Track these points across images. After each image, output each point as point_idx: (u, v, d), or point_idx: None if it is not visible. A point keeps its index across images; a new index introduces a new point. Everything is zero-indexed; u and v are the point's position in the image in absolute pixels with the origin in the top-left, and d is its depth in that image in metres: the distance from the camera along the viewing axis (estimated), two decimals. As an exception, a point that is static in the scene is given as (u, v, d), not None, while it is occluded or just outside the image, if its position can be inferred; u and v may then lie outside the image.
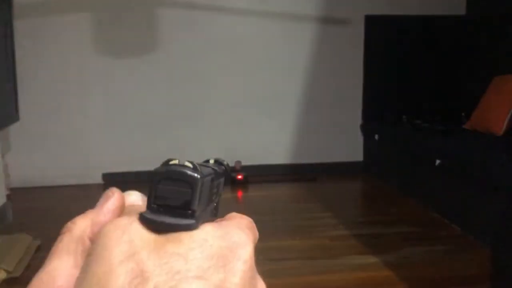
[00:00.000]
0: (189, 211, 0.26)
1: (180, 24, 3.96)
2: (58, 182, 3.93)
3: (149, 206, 0.26)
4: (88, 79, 3.92)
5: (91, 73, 3.91)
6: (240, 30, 4.06)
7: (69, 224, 0.29)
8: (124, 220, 0.26)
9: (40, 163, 3.90)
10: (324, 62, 4.20)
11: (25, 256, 2.49)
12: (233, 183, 3.91)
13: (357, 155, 4.37)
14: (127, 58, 3.96)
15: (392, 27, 4.24)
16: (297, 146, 4.28)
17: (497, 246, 2.50)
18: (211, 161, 0.37)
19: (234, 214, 0.30)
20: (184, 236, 0.25)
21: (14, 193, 3.55)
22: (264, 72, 4.15)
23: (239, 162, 4.02)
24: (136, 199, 0.30)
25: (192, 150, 4.09)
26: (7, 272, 2.31)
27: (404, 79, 4.28)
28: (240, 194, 3.86)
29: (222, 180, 0.36)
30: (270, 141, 4.24)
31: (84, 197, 3.72)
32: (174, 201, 0.26)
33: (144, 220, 0.26)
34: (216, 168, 0.34)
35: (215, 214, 0.33)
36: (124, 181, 3.95)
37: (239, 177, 3.92)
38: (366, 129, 4.29)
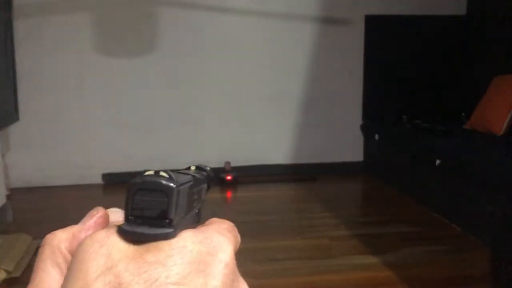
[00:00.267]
0: (167, 220, 0.26)
1: (180, 24, 3.96)
2: (58, 182, 3.93)
3: (126, 218, 0.26)
4: (88, 79, 3.92)
5: (91, 73, 3.91)
6: (240, 30, 4.06)
7: (49, 236, 0.29)
8: (101, 234, 0.26)
9: (40, 163, 3.90)
10: (324, 62, 4.20)
11: (25, 256, 2.49)
12: (222, 184, 3.90)
13: (357, 155, 4.36)
14: (127, 58, 3.96)
15: (392, 27, 4.24)
16: (297, 146, 4.28)
17: (497, 246, 2.50)
18: (192, 168, 0.37)
19: (214, 219, 0.31)
20: (163, 244, 0.26)
21: (14, 193, 3.55)
22: (264, 72, 4.15)
23: (228, 163, 4.01)
24: (120, 215, 0.30)
25: (192, 150, 4.09)
26: (7, 272, 2.31)
27: (404, 79, 4.28)
28: (229, 194, 3.85)
29: (204, 186, 0.36)
30: (270, 141, 4.24)
31: (84, 197, 3.72)
32: (151, 212, 0.26)
33: (122, 232, 0.26)
34: (196, 174, 0.34)
35: (198, 221, 0.33)
36: (124, 181, 3.94)
37: (228, 178, 3.91)
38: (366, 129, 4.29)
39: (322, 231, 2.97)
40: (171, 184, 0.26)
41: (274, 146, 4.24)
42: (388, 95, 4.29)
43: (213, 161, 4.05)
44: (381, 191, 3.88)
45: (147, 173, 0.27)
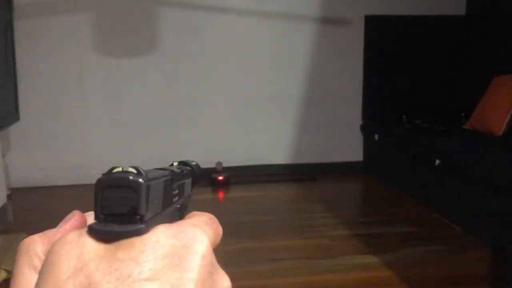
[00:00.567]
0: (137, 216, 0.25)
1: (179, 24, 3.97)
2: (58, 182, 3.93)
3: (96, 216, 0.26)
4: (88, 79, 3.92)
5: (91, 73, 3.91)
6: (240, 30, 4.06)
7: (25, 240, 0.29)
8: (73, 235, 0.26)
9: (40, 163, 3.90)
10: (324, 62, 4.20)
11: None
12: (214, 184, 3.90)
13: (357, 155, 4.37)
14: (126, 58, 3.96)
15: (392, 27, 4.24)
16: (297, 146, 4.28)
17: (497, 246, 2.50)
18: (175, 163, 0.36)
19: (194, 212, 0.30)
20: (135, 240, 0.25)
21: (14, 193, 3.55)
22: (264, 72, 4.15)
23: (220, 163, 4.01)
24: None
25: (192, 150, 4.09)
26: (7, 272, 2.31)
27: (404, 79, 4.28)
28: (220, 194, 3.85)
29: (187, 181, 0.35)
30: (270, 141, 4.24)
31: (84, 197, 3.72)
32: (120, 208, 0.25)
33: (92, 231, 0.25)
34: (176, 170, 0.33)
35: (181, 216, 0.32)
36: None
37: (220, 178, 3.91)
38: (366, 129, 4.29)
39: (322, 231, 2.97)
40: (140, 179, 0.25)
41: (274, 146, 4.25)
42: (388, 95, 4.29)
43: (213, 161, 4.05)
44: (381, 191, 3.88)
45: (115, 170, 0.26)
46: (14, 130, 3.76)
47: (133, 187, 0.25)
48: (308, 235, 2.94)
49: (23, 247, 0.28)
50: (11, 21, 3.54)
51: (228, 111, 4.15)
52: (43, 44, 3.81)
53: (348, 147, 4.33)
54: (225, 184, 3.91)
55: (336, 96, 4.27)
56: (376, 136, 4.12)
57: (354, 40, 4.20)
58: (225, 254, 2.39)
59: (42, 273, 0.26)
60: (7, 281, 2.28)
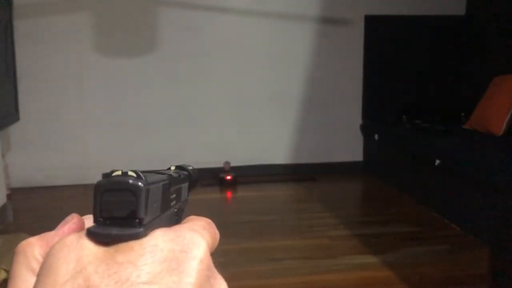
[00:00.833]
0: (136, 220, 0.25)
1: (179, 24, 3.97)
2: (58, 182, 3.93)
3: (95, 220, 0.26)
4: (87, 79, 3.92)
5: (90, 73, 3.91)
6: (239, 30, 4.06)
7: (23, 242, 0.29)
8: (71, 238, 0.26)
9: (40, 163, 3.90)
10: (324, 62, 4.20)
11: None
12: (222, 184, 3.90)
13: (357, 155, 4.37)
14: (126, 58, 3.96)
15: (392, 27, 4.24)
16: (297, 146, 4.28)
17: (497, 246, 2.50)
18: (172, 168, 0.36)
19: (191, 217, 0.30)
20: (134, 244, 0.25)
21: (14, 193, 3.55)
22: (264, 72, 4.15)
23: (227, 163, 4.02)
24: None
25: (192, 150, 4.09)
26: (7, 272, 2.31)
27: (404, 79, 4.28)
28: (228, 194, 3.85)
29: (183, 185, 0.35)
30: (270, 141, 4.24)
31: (84, 197, 3.72)
32: (119, 212, 0.25)
33: (91, 234, 0.25)
34: (173, 174, 0.33)
35: (178, 220, 0.32)
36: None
37: (228, 177, 3.91)
38: (366, 129, 4.29)
39: (321, 231, 2.97)
40: (139, 183, 0.25)
41: (274, 146, 4.25)
42: (388, 95, 4.29)
43: (213, 160, 4.05)
44: (381, 191, 3.88)
45: (114, 173, 0.26)
46: (14, 130, 3.76)
47: (133, 190, 0.25)
48: (308, 235, 2.94)
49: (20, 249, 0.28)
50: (11, 21, 3.54)
51: (227, 111, 4.15)
52: (43, 44, 3.81)
53: (348, 147, 4.33)
54: (232, 184, 3.92)
55: (336, 96, 4.27)
56: (376, 136, 4.12)
57: (354, 40, 4.20)
58: (225, 254, 2.39)
59: (40, 276, 0.26)
60: (7, 281, 2.28)
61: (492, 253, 2.51)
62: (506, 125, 3.39)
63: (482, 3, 4.17)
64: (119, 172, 0.26)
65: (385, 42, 4.24)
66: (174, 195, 0.32)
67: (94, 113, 3.96)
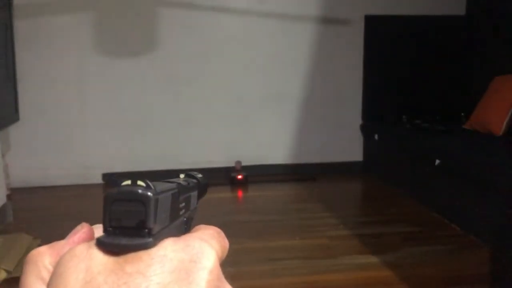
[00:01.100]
0: (146, 230, 0.25)
1: (180, 24, 3.97)
2: (58, 182, 3.93)
3: (105, 229, 0.26)
4: (88, 79, 3.92)
5: (90, 73, 3.91)
6: (240, 30, 4.06)
7: (33, 252, 0.29)
8: (81, 248, 0.26)
9: (40, 163, 3.90)
10: (324, 62, 4.20)
11: (25, 256, 2.48)
12: (233, 183, 3.91)
13: (357, 155, 4.37)
14: (126, 58, 3.96)
15: (392, 27, 4.24)
16: (297, 146, 4.28)
17: (497, 246, 2.50)
18: (181, 176, 0.36)
19: (200, 226, 0.30)
20: (143, 254, 0.25)
21: (14, 193, 3.55)
22: (264, 72, 4.15)
23: (239, 162, 4.03)
24: None
25: (192, 150, 4.09)
26: (7, 272, 2.31)
27: (404, 79, 4.28)
28: (240, 194, 3.86)
29: (193, 194, 0.35)
30: (270, 141, 4.24)
31: (84, 197, 3.72)
32: (129, 222, 0.25)
33: (101, 244, 0.26)
34: (182, 182, 0.33)
35: (187, 229, 0.32)
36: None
37: (239, 177, 3.92)
38: (366, 129, 4.29)
39: (322, 231, 2.98)
40: (148, 193, 0.26)
41: (274, 146, 4.25)
42: (388, 95, 4.30)
43: (212, 160, 4.05)
44: (381, 191, 3.88)
45: (124, 183, 0.26)
46: (14, 130, 3.76)
47: (142, 200, 0.25)
48: (308, 235, 2.94)
49: (31, 258, 0.28)
50: (11, 21, 3.54)
51: (227, 110, 4.15)
52: (43, 44, 3.81)
53: (348, 147, 4.33)
54: (243, 184, 3.94)
55: (336, 96, 4.27)
56: (376, 136, 4.12)
57: (354, 40, 4.20)
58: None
59: (50, 286, 0.26)
60: (7, 281, 2.28)
61: (492, 253, 2.51)
62: (506, 125, 3.39)
63: (482, 3, 4.17)
64: (128, 182, 0.26)
65: (385, 42, 4.24)
66: (183, 204, 0.32)
67: (94, 113, 3.96)
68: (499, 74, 3.65)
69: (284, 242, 2.83)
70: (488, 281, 2.31)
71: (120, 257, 0.25)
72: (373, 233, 2.99)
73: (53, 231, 2.96)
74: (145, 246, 0.25)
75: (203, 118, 4.12)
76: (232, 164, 4.04)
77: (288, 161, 4.27)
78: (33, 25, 3.76)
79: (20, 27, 3.68)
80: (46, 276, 0.27)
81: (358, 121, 4.32)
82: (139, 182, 0.26)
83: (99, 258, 0.25)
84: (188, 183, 0.35)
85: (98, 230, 0.29)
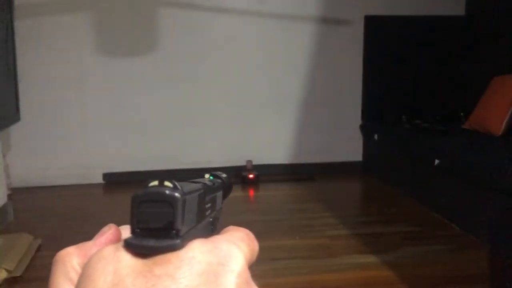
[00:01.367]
0: (173, 231, 0.25)
1: (180, 24, 3.97)
2: (58, 182, 3.93)
3: (132, 231, 0.26)
4: (88, 79, 3.92)
5: (91, 73, 3.92)
6: (240, 30, 4.07)
7: (61, 252, 0.29)
8: (109, 249, 0.26)
9: (40, 163, 3.91)
10: (324, 62, 4.21)
11: (26, 255, 2.49)
12: (244, 183, 3.93)
13: (357, 155, 4.37)
14: (127, 58, 3.96)
15: (391, 27, 4.25)
16: (296, 146, 4.28)
17: (497, 246, 2.50)
18: (206, 176, 0.36)
19: (230, 227, 0.30)
20: (171, 256, 0.25)
21: (15, 193, 3.55)
22: (264, 72, 4.15)
23: (250, 161, 4.05)
24: None
25: (192, 150, 4.10)
26: (8, 271, 2.32)
27: (404, 79, 4.28)
28: (251, 193, 3.88)
29: (218, 194, 0.35)
30: (270, 141, 4.24)
31: (84, 197, 3.72)
32: (156, 223, 0.25)
33: (128, 245, 0.25)
34: (208, 182, 0.33)
35: (213, 230, 0.32)
36: (124, 181, 3.95)
37: (251, 176, 3.94)
38: (366, 129, 4.29)
39: (321, 231, 2.98)
40: (176, 194, 0.25)
41: (274, 146, 4.25)
42: (388, 95, 4.30)
43: (212, 160, 4.06)
44: (381, 191, 3.88)
45: (151, 184, 0.26)
46: (14, 130, 3.76)
47: (170, 201, 0.25)
48: (308, 235, 2.94)
49: (59, 258, 0.28)
50: (11, 21, 3.54)
51: (227, 111, 4.15)
52: (43, 44, 3.81)
53: (348, 147, 4.33)
54: (255, 183, 3.95)
55: (336, 96, 4.27)
56: (376, 136, 4.12)
57: (354, 40, 4.20)
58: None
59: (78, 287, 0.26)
60: (7, 281, 2.29)
61: (492, 253, 2.51)
62: (505, 125, 3.39)
63: (482, 3, 4.17)
64: (156, 183, 0.26)
65: (385, 42, 4.24)
66: (209, 204, 0.32)
67: (94, 113, 3.97)
68: (499, 74, 3.65)
69: (284, 242, 2.83)
70: (488, 281, 2.32)
71: (148, 259, 0.25)
72: (373, 233, 2.99)
73: (53, 231, 2.97)
74: (174, 248, 0.25)
75: (203, 118, 4.12)
76: (233, 164, 4.04)
77: (288, 161, 4.28)
78: (34, 25, 3.77)
79: (21, 27, 3.69)
80: (74, 277, 0.27)
81: (358, 121, 4.32)
82: (166, 183, 0.26)
83: (127, 260, 0.25)
84: (213, 183, 0.35)
85: (125, 231, 0.29)
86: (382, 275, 2.41)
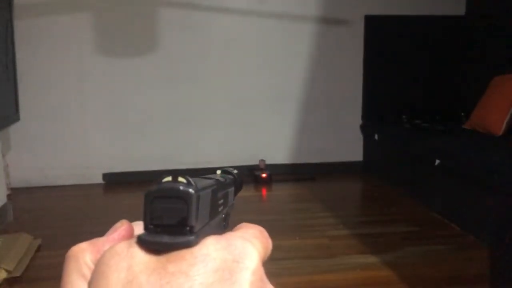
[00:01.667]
0: (187, 228, 0.25)
1: (180, 24, 3.97)
2: (58, 182, 3.93)
3: (146, 227, 0.25)
4: (88, 79, 3.92)
5: (91, 73, 3.92)
6: (240, 30, 4.07)
7: (74, 248, 0.28)
8: (122, 246, 0.26)
9: (40, 163, 3.91)
10: (324, 62, 4.21)
11: (26, 255, 2.49)
12: (257, 182, 3.94)
13: (357, 155, 4.37)
14: (127, 58, 3.96)
15: (392, 27, 4.25)
16: (297, 146, 4.28)
17: (497, 246, 2.50)
18: (218, 172, 0.36)
19: (243, 224, 0.30)
20: (185, 253, 0.25)
21: (14, 193, 3.55)
22: (264, 72, 4.15)
23: (263, 160, 4.06)
24: None
25: (191, 150, 4.09)
26: (8, 272, 2.32)
27: (404, 79, 4.28)
28: (264, 192, 3.88)
29: (230, 190, 0.35)
30: (270, 141, 4.24)
31: (84, 197, 3.72)
32: (170, 219, 0.25)
33: (142, 242, 0.25)
34: (220, 178, 0.33)
35: (225, 226, 0.32)
36: (124, 181, 3.95)
37: (264, 175, 3.95)
38: (366, 129, 4.29)
39: (322, 231, 2.98)
40: (190, 190, 0.25)
41: (274, 146, 4.25)
42: (388, 95, 4.30)
43: (213, 160, 4.05)
44: (381, 191, 3.88)
45: (164, 179, 0.26)
46: (14, 130, 3.76)
47: (184, 197, 0.25)
48: (308, 235, 2.94)
49: (72, 254, 0.28)
50: (11, 21, 3.54)
51: (227, 111, 4.15)
52: (43, 44, 3.81)
53: (348, 147, 4.33)
54: (267, 182, 3.97)
55: (336, 96, 4.27)
56: (376, 136, 4.12)
57: (354, 40, 4.20)
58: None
59: (91, 284, 0.25)
60: (7, 281, 2.28)
61: (492, 253, 2.51)
62: (506, 125, 3.39)
63: (482, 3, 4.17)
64: (169, 178, 0.26)
65: (385, 42, 4.24)
66: (221, 201, 0.31)
67: (94, 113, 3.97)
68: (499, 74, 3.65)
69: (284, 242, 2.83)
70: (488, 281, 2.31)
71: (162, 256, 0.25)
72: (373, 233, 2.99)
73: (53, 231, 2.97)
74: (188, 245, 0.25)
75: (203, 118, 4.12)
76: (233, 164, 4.04)
77: (288, 161, 4.28)
78: (34, 25, 3.76)
79: (21, 27, 3.68)
80: (87, 273, 0.27)
81: (358, 121, 4.32)
82: (180, 178, 0.26)
83: (141, 256, 0.25)
84: (225, 179, 0.34)
85: (138, 227, 0.29)
86: (382, 275, 2.41)
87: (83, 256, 0.27)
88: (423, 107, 4.26)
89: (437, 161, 3.18)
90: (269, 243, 0.29)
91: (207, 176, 0.32)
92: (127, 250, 0.25)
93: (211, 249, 0.25)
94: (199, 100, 4.09)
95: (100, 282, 0.25)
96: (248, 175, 3.99)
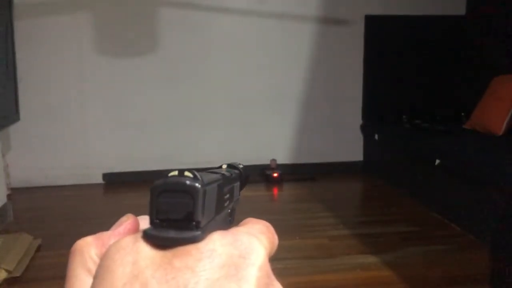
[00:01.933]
0: (193, 223, 0.25)
1: (180, 24, 3.97)
2: (58, 182, 3.93)
3: (151, 222, 0.25)
4: (88, 79, 3.92)
5: (91, 73, 3.92)
6: (240, 30, 4.07)
7: (79, 242, 0.28)
8: (127, 240, 0.25)
9: (40, 163, 3.91)
10: (324, 62, 4.20)
11: (26, 256, 2.49)
12: (268, 181, 3.96)
13: (357, 155, 4.37)
14: (127, 58, 3.96)
15: (392, 27, 4.24)
16: (297, 146, 4.28)
17: (497, 246, 2.50)
18: (224, 166, 0.36)
19: (249, 219, 0.29)
20: (191, 248, 0.24)
21: (14, 193, 3.55)
22: (264, 72, 4.15)
23: (274, 160, 4.07)
24: None
25: (192, 150, 4.09)
26: (8, 272, 2.32)
27: (404, 79, 4.28)
28: (275, 192, 3.89)
29: (236, 184, 0.34)
30: (270, 141, 4.24)
31: (84, 197, 3.72)
32: (176, 214, 0.25)
33: (148, 237, 0.25)
34: (226, 173, 0.33)
35: (231, 221, 0.32)
36: (124, 181, 3.95)
37: (275, 175, 3.96)
38: (366, 129, 4.29)
39: (322, 231, 2.98)
40: (196, 184, 0.25)
41: (274, 146, 4.25)
42: (388, 95, 4.30)
43: (213, 160, 4.05)
44: (381, 191, 3.88)
45: (171, 174, 0.25)
46: (14, 130, 3.76)
47: (190, 192, 0.25)
48: (308, 235, 2.94)
49: (77, 248, 0.27)
50: (11, 21, 3.54)
51: (227, 111, 4.15)
52: (43, 44, 3.81)
53: (348, 147, 4.33)
54: (278, 182, 3.98)
55: (336, 96, 4.27)
56: (376, 136, 4.12)
57: (354, 40, 4.20)
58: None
59: (97, 279, 0.25)
60: (7, 281, 2.28)
61: (492, 253, 2.51)
62: (506, 125, 3.39)
63: (482, 3, 4.17)
64: (175, 173, 0.25)
65: (385, 42, 4.24)
66: (227, 195, 0.31)
67: (94, 113, 3.96)
68: (499, 74, 3.65)
69: (284, 242, 2.81)
70: (488, 281, 2.31)
71: (168, 251, 0.24)
72: (373, 233, 2.99)
73: (53, 231, 2.97)
74: (194, 240, 0.24)
75: (203, 118, 4.12)
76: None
77: (288, 161, 4.27)
78: (33, 25, 3.76)
79: (21, 27, 3.68)
80: (92, 267, 0.26)
81: (358, 121, 4.32)
82: (186, 173, 0.25)
83: (146, 251, 0.25)
84: (231, 174, 0.34)
85: (143, 222, 0.29)
86: (382, 275, 2.41)
87: (88, 250, 0.27)
88: (423, 107, 4.26)
89: (437, 161, 3.18)
90: (275, 238, 0.29)
91: (213, 170, 0.32)
92: (132, 245, 0.25)
93: (217, 245, 0.25)
94: (199, 100, 4.09)
95: (105, 277, 0.25)
96: (260, 175, 4.00)
